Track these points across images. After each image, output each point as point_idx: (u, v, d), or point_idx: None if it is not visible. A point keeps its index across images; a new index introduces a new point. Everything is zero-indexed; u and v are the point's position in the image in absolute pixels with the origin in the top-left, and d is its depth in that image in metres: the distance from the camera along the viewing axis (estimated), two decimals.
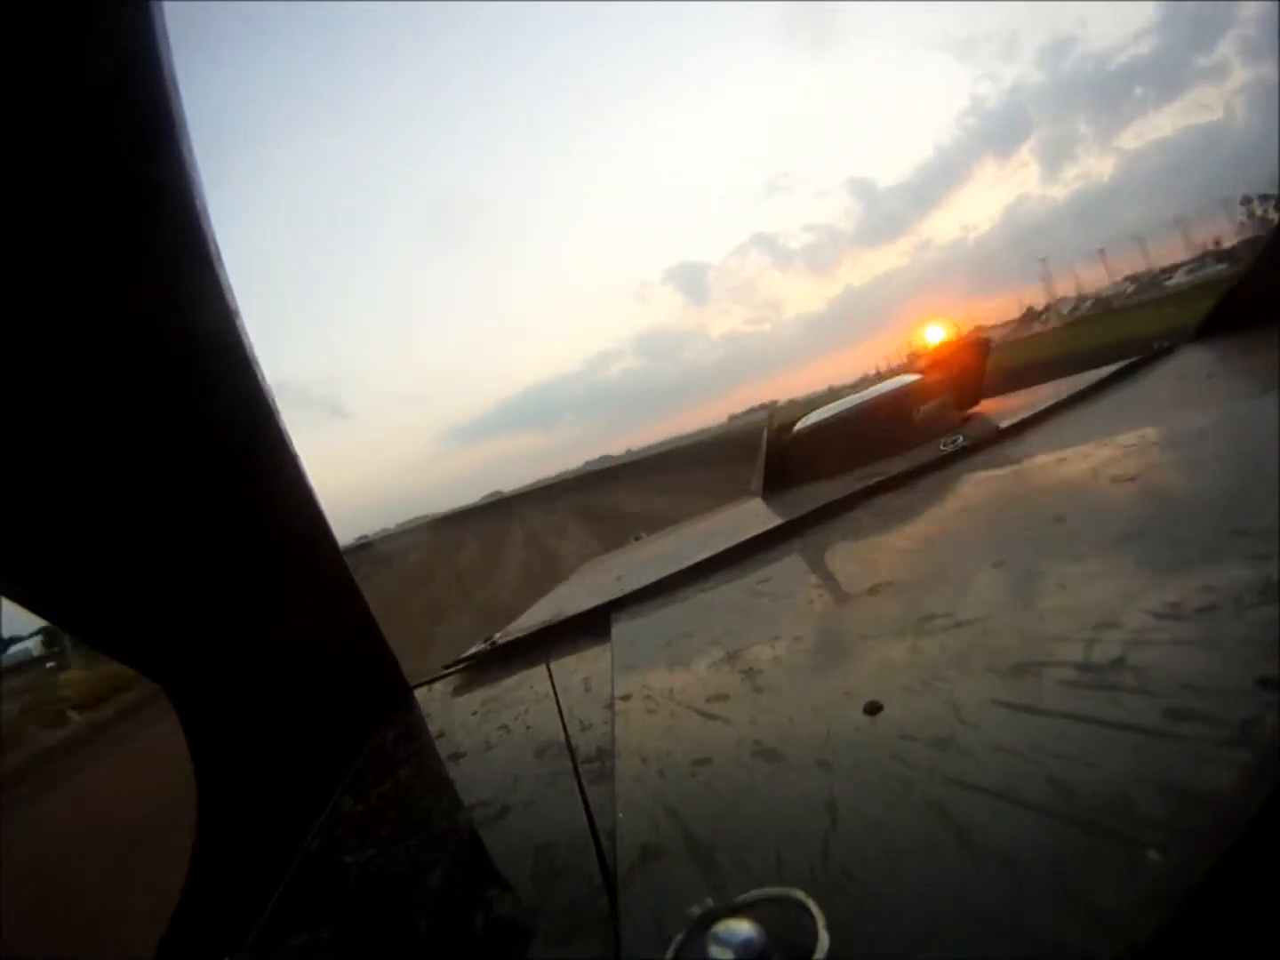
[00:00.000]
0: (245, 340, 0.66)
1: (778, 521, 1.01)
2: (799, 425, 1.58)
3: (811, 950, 0.26)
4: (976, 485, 0.88)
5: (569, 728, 0.60)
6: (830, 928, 0.26)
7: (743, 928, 0.27)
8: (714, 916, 0.29)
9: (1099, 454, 0.74)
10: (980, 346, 1.82)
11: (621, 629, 0.82)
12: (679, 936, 0.29)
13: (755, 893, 0.29)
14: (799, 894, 0.28)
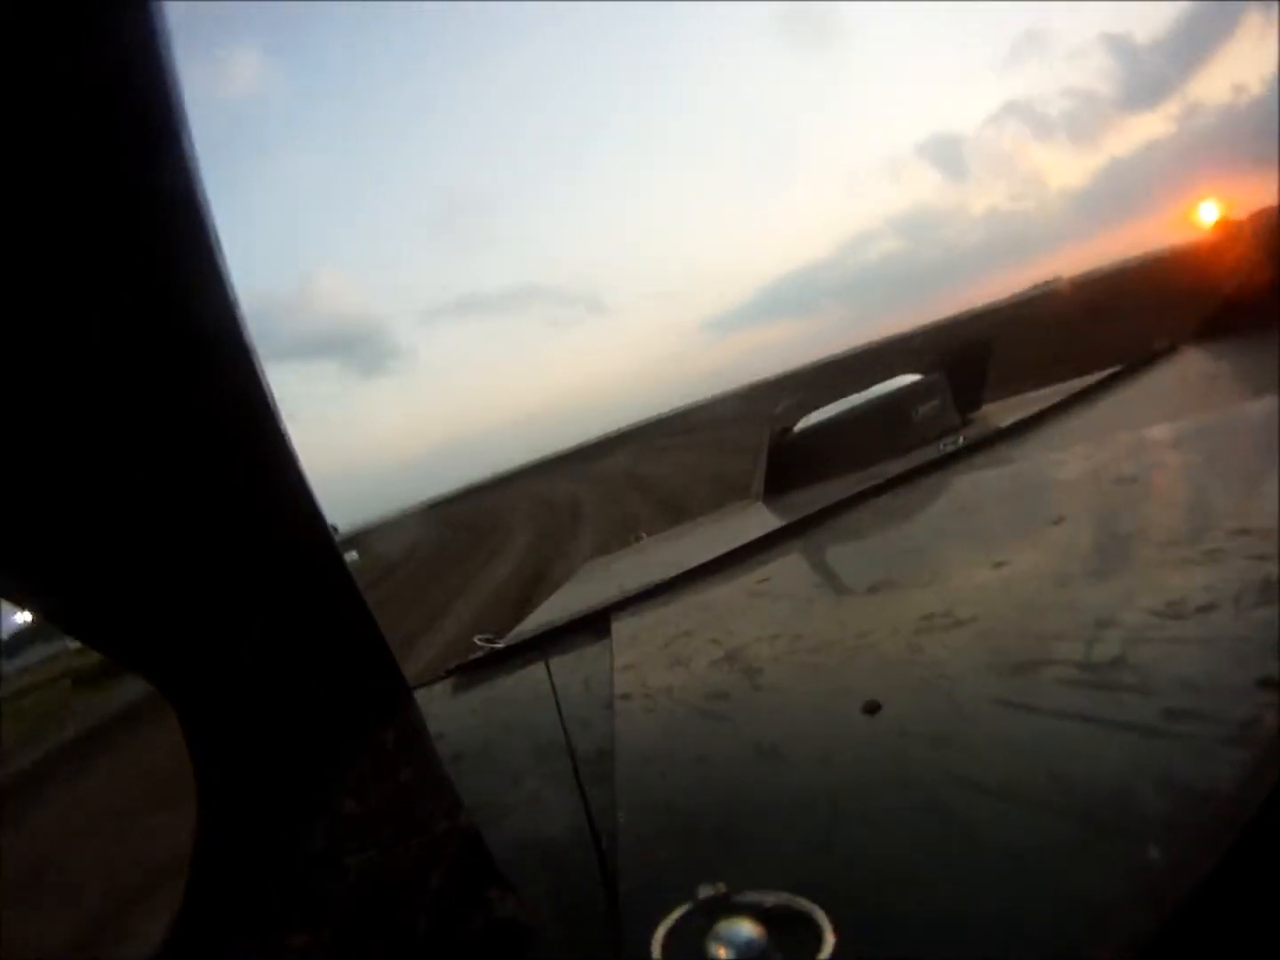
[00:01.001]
0: (246, 338, 0.66)
1: (777, 523, 1.01)
2: (799, 426, 1.58)
3: (817, 950, 0.26)
4: (976, 486, 0.88)
5: (569, 728, 0.60)
6: (836, 928, 0.26)
7: (745, 928, 0.27)
8: (715, 906, 0.29)
9: (1099, 455, 0.74)
10: (981, 348, 1.82)
11: (622, 629, 0.81)
12: (677, 912, 0.29)
13: (757, 895, 0.29)
14: (804, 903, 0.28)
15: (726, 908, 0.29)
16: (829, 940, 0.26)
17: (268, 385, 0.69)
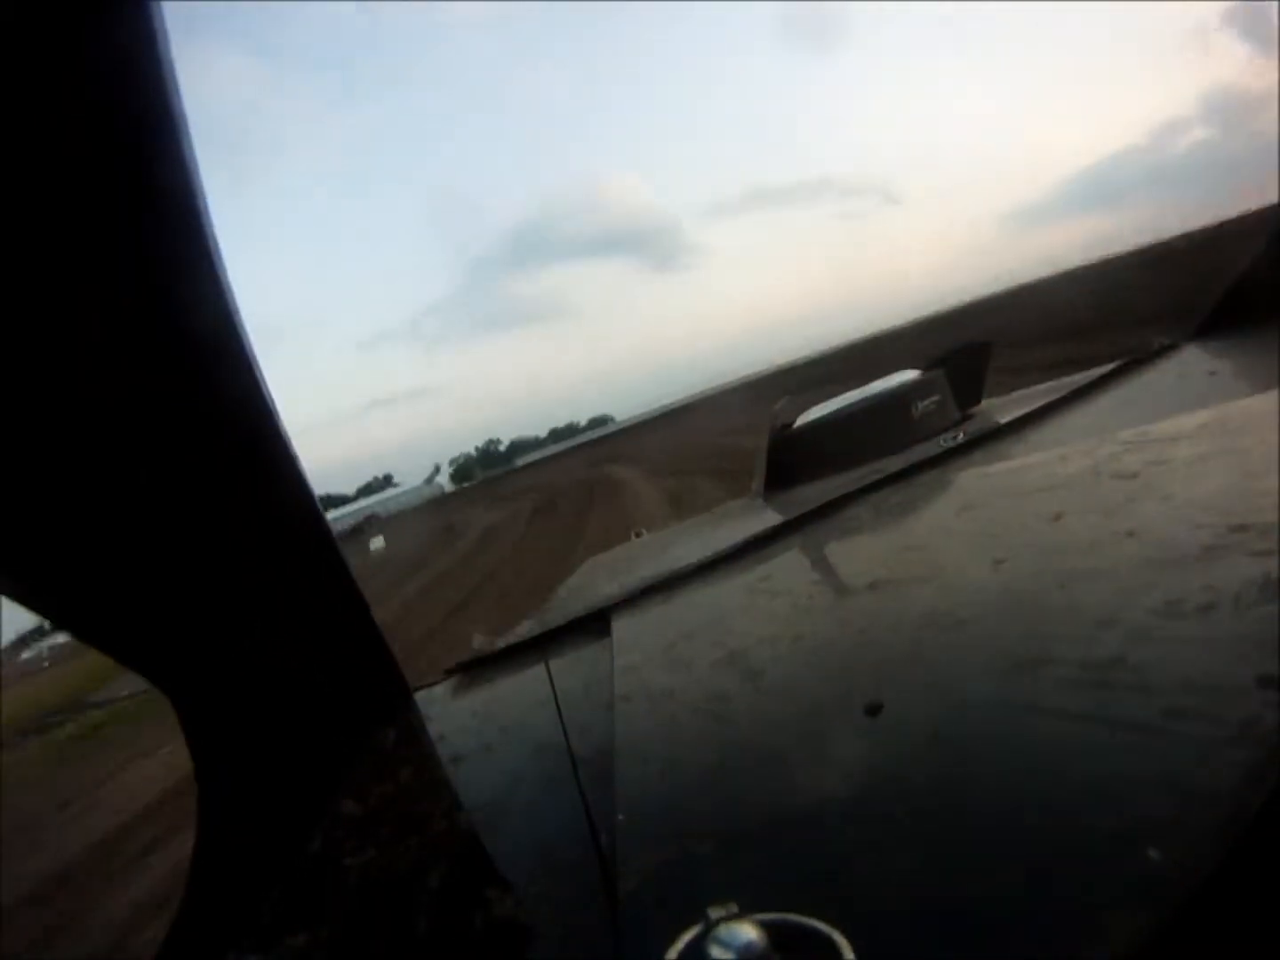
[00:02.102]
0: (245, 340, 0.66)
1: (778, 520, 1.01)
2: (799, 422, 1.58)
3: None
4: (976, 482, 0.88)
5: (569, 729, 0.60)
6: (847, 938, 0.26)
7: (746, 932, 0.27)
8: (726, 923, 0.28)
9: (1099, 451, 0.74)
10: (981, 348, 1.82)
11: (622, 629, 0.81)
12: (689, 934, 0.29)
13: (768, 916, 0.29)
14: (816, 923, 0.28)
15: (741, 917, 0.29)
16: (844, 955, 0.26)
17: (268, 385, 0.69)
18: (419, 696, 0.89)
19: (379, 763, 0.71)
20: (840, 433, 1.47)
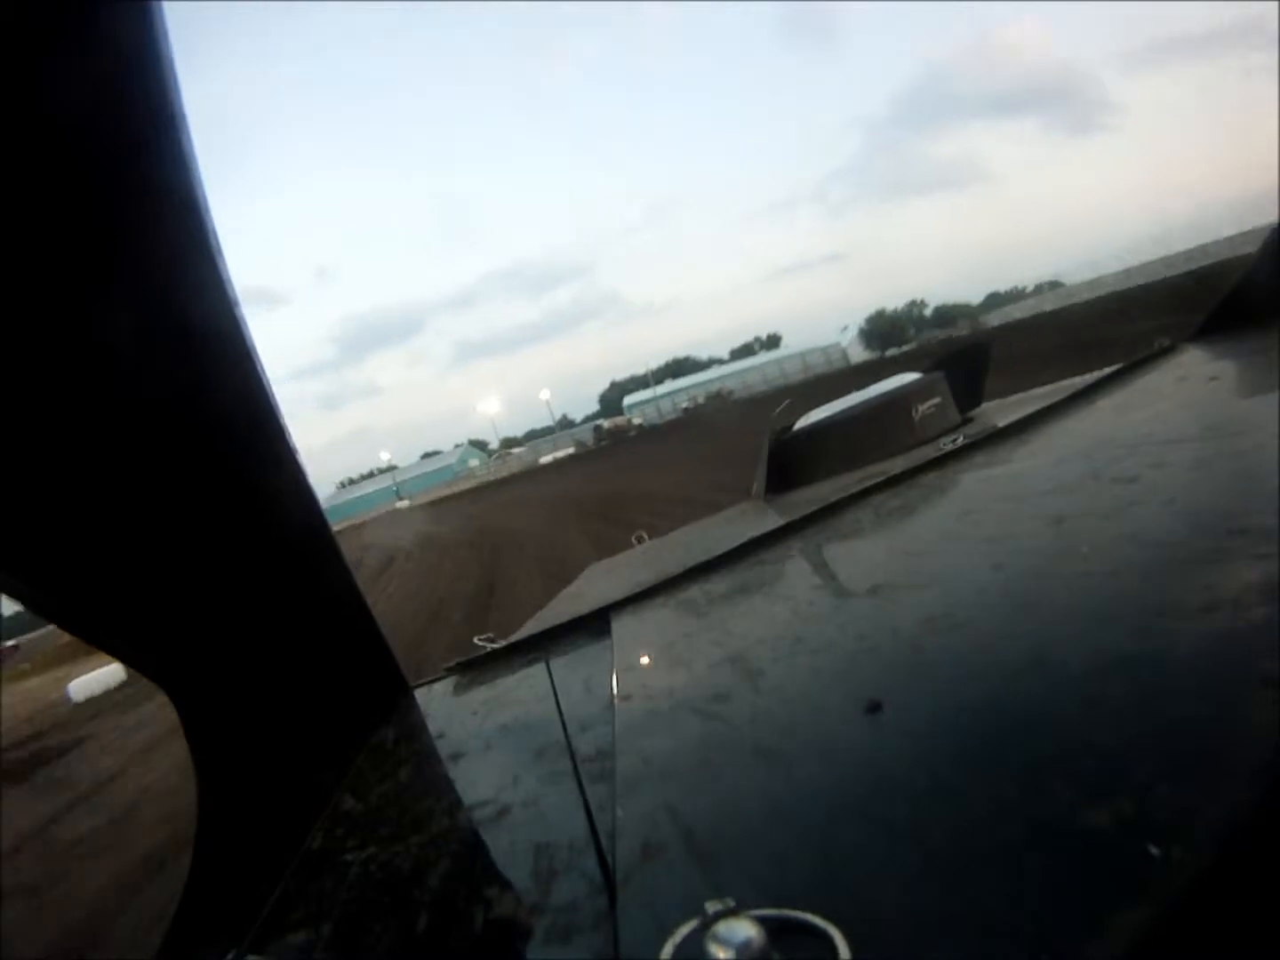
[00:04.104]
0: (246, 336, 0.66)
1: (778, 522, 1.01)
2: (799, 425, 1.58)
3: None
4: (976, 485, 0.88)
5: (569, 728, 0.60)
6: (845, 936, 0.26)
7: (743, 927, 0.27)
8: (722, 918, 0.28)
9: (1099, 454, 0.74)
10: (981, 348, 1.82)
11: (622, 629, 0.81)
12: (685, 928, 0.29)
13: (765, 911, 0.29)
14: (813, 918, 0.28)
15: (735, 912, 0.29)
16: (840, 952, 0.26)
17: (268, 385, 0.69)
18: (419, 694, 0.89)
19: (379, 760, 0.71)
20: (841, 435, 1.47)
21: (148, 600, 0.67)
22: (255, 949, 0.45)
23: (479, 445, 78.92)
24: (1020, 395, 1.63)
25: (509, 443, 76.58)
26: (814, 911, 0.28)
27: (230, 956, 0.45)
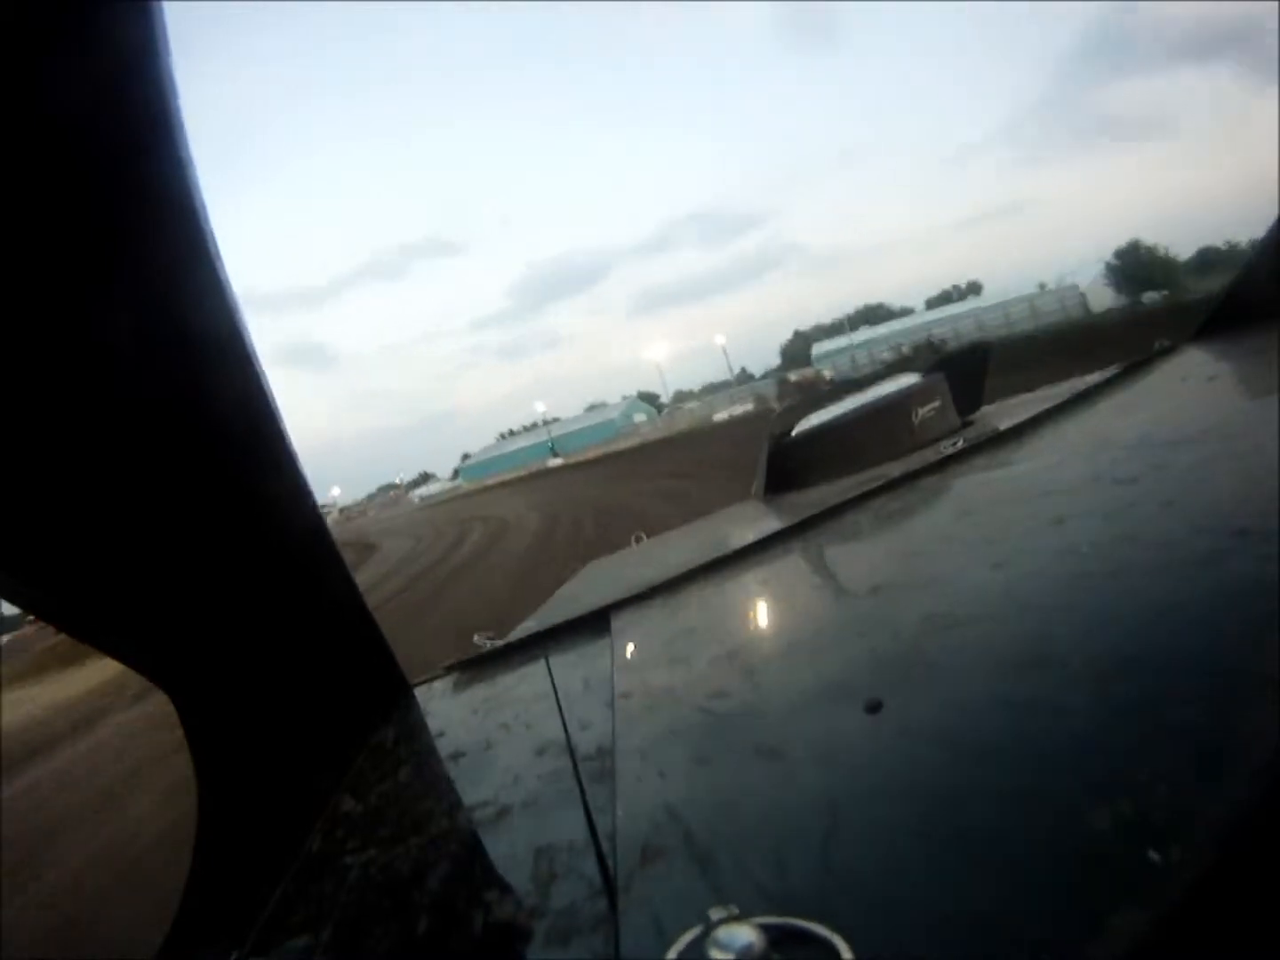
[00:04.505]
0: (245, 338, 0.66)
1: (778, 524, 1.01)
2: (798, 429, 1.58)
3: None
4: (976, 487, 0.88)
5: (569, 727, 0.60)
6: (845, 938, 0.26)
7: (745, 934, 0.27)
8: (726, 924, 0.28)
9: (1099, 455, 0.74)
10: (982, 350, 1.82)
11: (622, 628, 0.82)
12: (688, 935, 0.29)
13: (768, 919, 0.29)
14: (820, 928, 0.27)
15: (739, 918, 0.29)
16: (842, 955, 0.26)
17: (268, 385, 0.69)
18: (419, 693, 0.89)
19: (379, 761, 0.71)
20: (841, 438, 1.47)
21: (148, 601, 0.67)
22: (256, 951, 0.45)
23: (648, 399, 71.30)
24: (1020, 398, 1.63)
25: (681, 397, 71.96)
26: (815, 916, 0.28)
27: (231, 958, 0.45)
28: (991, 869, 0.27)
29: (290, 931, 0.45)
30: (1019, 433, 1.05)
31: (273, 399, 0.70)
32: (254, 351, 0.67)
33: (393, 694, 0.89)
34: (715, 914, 0.29)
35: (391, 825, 0.56)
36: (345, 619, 0.83)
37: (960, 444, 1.09)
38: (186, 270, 0.61)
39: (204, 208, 0.60)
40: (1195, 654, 0.34)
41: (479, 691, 0.83)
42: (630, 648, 0.74)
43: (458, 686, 0.88)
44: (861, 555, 0.81)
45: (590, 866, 0.40)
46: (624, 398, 74.43)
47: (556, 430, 64.90)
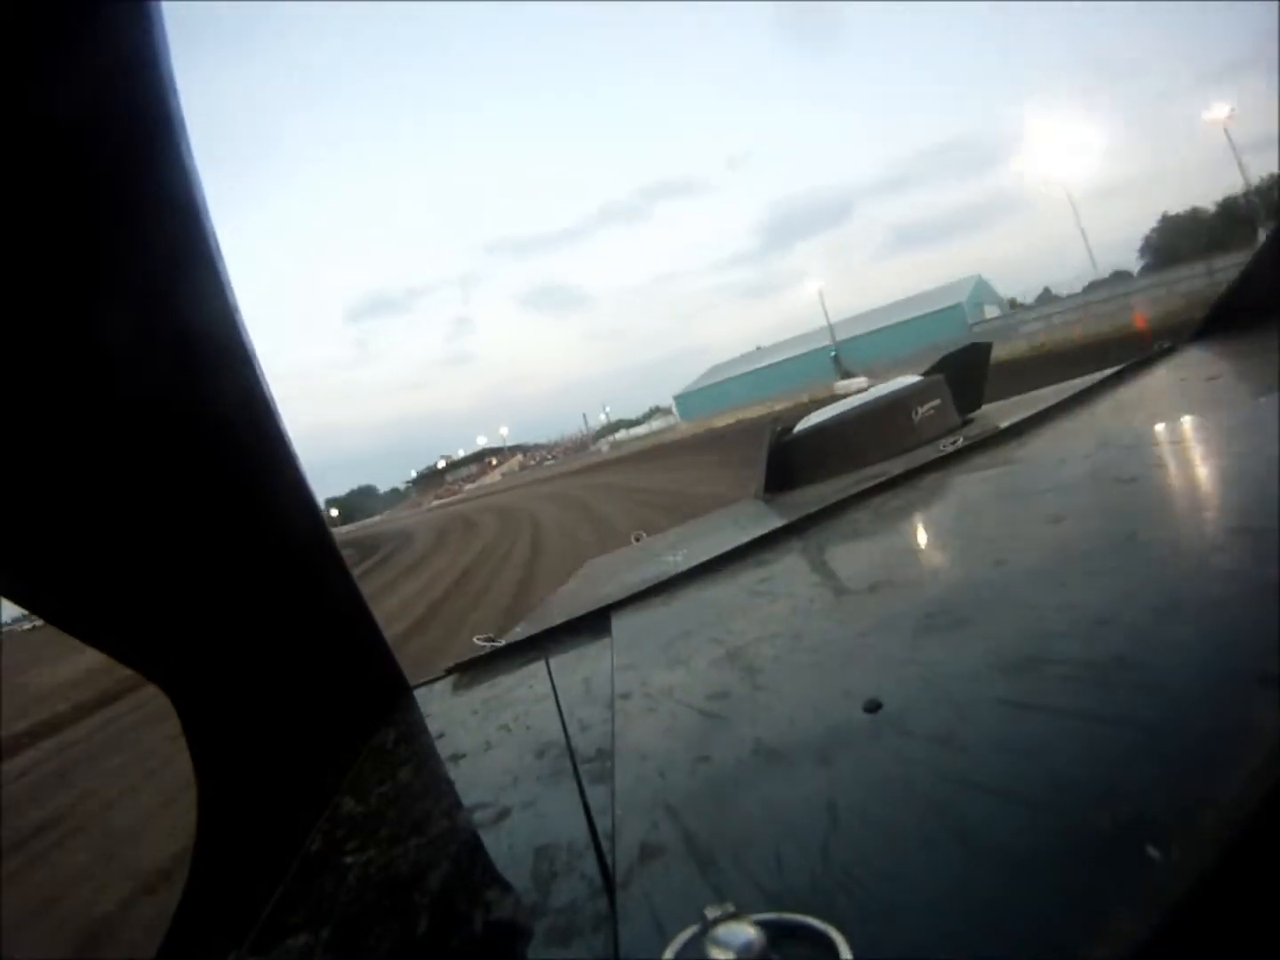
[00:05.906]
0: (245, 338, 0.66)
1: (778, 522, 1.01)
2: (799, 427, 1.58)
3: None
4: (977, 486, 0.88)
5: (569, 727, 0.60)
6: (844, 936, 0.26)
7: (744, 931, 0.27)
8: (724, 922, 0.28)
9: (1099, 454, 0.74)
10: (981, 349, 1.82)
11: (622, 628, 0.82)
12: (685, 934, 0.29)
13: (766, 915, 0.29)
14: (814, 921, 0.27)
15: (737, 916, 0.29)
16: (841, 954, 0.26)
17: (268, 386, 0.69)
18: (419, 694, 0.89)
19: (379, 761, 0.71)
20: (841, 437, 1.47)
21: (148, 601, 0.67)
22: (256, 950, 0.45)
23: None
24: (1020, 397, 1.63)
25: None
26: (815, 913, 0.28)
27: (230, 958, 0.45)
28: (990, 866, 0.27)
29: (290, 931, 0.45)
30: (1019, 431, 1.05)
31: (273, 399, 0.70)
32: (254, 351, 0.67)
33: (393, 695, 0.89)
34: (713, 912, 0.29)
35: (391, 825, 0.55)
36: (346, 619, 0.83)
37: (960, 442, 1.09)
38: (187, 270, 0.61)
39: (205, 208, 0.60)
40: (1195, 653, 0.34)
41: (479, 692, 0.83)
42: (630, 647, 0.74)
43: (458, 687, 0.88)
44: (861, 553, 0.81)
45: (590, 866, 0.40)
46: (971, 277, 48.97)
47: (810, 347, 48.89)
